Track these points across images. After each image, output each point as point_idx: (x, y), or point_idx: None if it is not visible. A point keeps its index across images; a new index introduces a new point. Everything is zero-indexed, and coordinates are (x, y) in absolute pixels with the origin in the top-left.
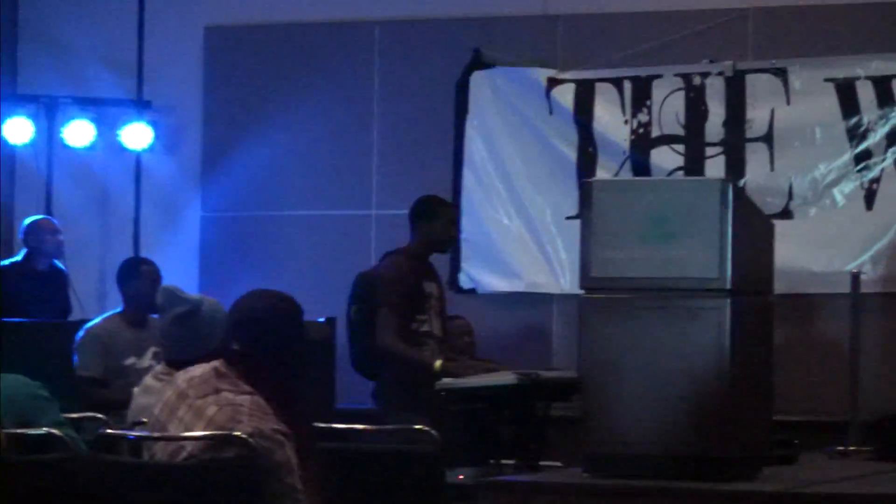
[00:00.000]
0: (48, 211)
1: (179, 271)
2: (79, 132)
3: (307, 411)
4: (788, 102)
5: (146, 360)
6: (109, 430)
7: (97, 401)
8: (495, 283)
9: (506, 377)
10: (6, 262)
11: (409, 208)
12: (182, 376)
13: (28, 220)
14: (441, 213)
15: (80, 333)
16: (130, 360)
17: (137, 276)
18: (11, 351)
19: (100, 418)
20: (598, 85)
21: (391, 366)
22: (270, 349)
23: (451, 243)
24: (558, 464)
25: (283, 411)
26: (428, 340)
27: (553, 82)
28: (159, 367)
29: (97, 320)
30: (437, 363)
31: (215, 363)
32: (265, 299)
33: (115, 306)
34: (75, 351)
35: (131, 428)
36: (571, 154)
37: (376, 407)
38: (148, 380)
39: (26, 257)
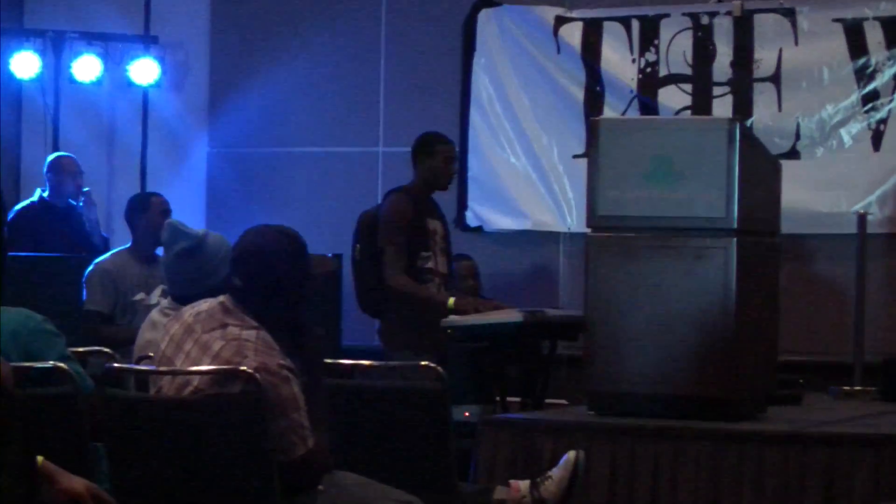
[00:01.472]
0: (55, 147)
1: (186, 207)
2: (86, 67)
3: (313, 346)
4: (796, 43)
5: (154, 297)
6: (116, 365)
7: (102, 337)
8: (502, 221)
9: (511, 315)
10: (23, 203)
11: None
12: (189, 311)
13: (51, 157)
14: (439, 149)
15: (90, 268)
16: (139, 296)
17: (148, 208)
18: (20, 285)
19: (106, 352)
20: (606, 24)
21: (400, 304)
22: (271, 284)
23: (449, 180)
24: (563, 402)
25: (289, 346)
26: (432, 277)
27: (561, 21)
28: (165, 302)
29: (106, 256)
30: (451, 300)
31: (222, 298)
32: (265, 234)
33: (122, 243)
34: (84, 285)
35: (137, 363)
36: (578, 93)
37: (382, 345)
38: (154, 315)
39: (42, 197)
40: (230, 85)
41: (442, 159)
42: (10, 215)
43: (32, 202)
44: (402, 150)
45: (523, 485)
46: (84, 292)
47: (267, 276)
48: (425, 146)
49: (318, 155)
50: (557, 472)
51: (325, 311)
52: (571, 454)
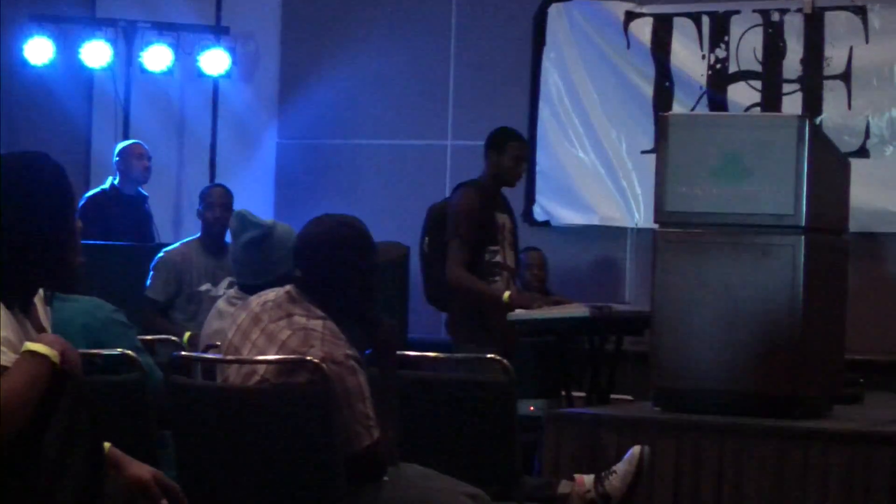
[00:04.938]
0: (125, 136)
1: (255, 198)
2: (157, 57)
3: (385, 337)
4: (867, 41)
5: (221, 289)
6: (183, 353)
7: (155, 326)
8: (569, 216)
9: (578, 310)
10: (94, 190)
11: (484, 137)
12: (255, 300)
13: (120, 145)
14: (510, 146)
15: (158, 256)
16: (205, 287)
17: (208, 201)
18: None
19: (174, 341)
20: (676, 19)
21: (461, 298)
22: (331, 273)
23: (517, 178)
24: (629, 397)
25: (357, 336)
26: (501, 271)
27: (631, 16)
28: (232, 292)
29: (175, 245)
30: (506, 294)
31: (288, 287)
32: (324, 224)
33: (191, 233)
34: (150, 272)
35: (204, 351)
36: (648, 89)
37: (449, 338)
38: (221, 304)
39: (113, 184)
40: (300, 76)
41: (512, 157)
42: (81, 202)
43: (103, 189)
44: (471, 144)
45: (588, 479)
46: (149, 279)
47: (325, 265)
48: (497, 142)
49: (386, 147)
50: (622, 467)
51: (391, 304)
52: (637, 449)
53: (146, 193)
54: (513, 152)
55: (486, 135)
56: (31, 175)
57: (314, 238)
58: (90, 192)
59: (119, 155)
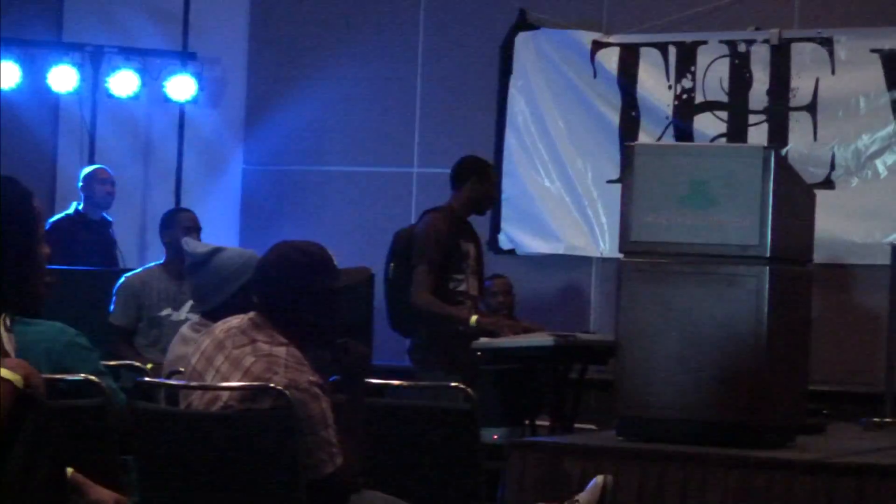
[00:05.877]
0: (91, 160)
1: (221, 223)
2: (123, 82)
3: (355, 363)
4: (833, 72)
5: (183, 314)
6: (147, 379)
7: (119, 352)
8: (535, 244)
9: (542, 338)
10: (59, 215)
11: (451, 167)
12: (220, 326)
13: (85, 170)
14: (484, 175)
15: (119, 281)
16: (166, 312)
17: (174, 224)
18: (54, 298)
19: (137, 366)
20: (643, 49)
21: (426, 323)
22: (283, 299)
23: (490, 206)
24: (592, 426)
25: (322, 361)
26: (464, 300)
27: (598, 45)
28: (196, 318)
29: (136, 270)
30: (473, 318)
31: (252, 314)
32: (278, 250)
33: (156, 257)
34: (112, 297)
35: (168, 377)
36: (614, 118)
37: (412, 365)
38: (184, 330)
39: (77, 209)
40: (267, 102)
41: (487, 185)
42: (46, 227)
43: (68, 214)
44: (437, 171)
45: None
46: (112, 304)
47: (279, 290)
48: (479, 169)
49: (352, 174)
50: (585, 496)
51: (356, 329)
52: (599, 479)
53: (110, 219)
54: (488, 179)
55: (453, 162)
56: None
57: (268, 264)
58: (55, 217)
59: (83, 180)
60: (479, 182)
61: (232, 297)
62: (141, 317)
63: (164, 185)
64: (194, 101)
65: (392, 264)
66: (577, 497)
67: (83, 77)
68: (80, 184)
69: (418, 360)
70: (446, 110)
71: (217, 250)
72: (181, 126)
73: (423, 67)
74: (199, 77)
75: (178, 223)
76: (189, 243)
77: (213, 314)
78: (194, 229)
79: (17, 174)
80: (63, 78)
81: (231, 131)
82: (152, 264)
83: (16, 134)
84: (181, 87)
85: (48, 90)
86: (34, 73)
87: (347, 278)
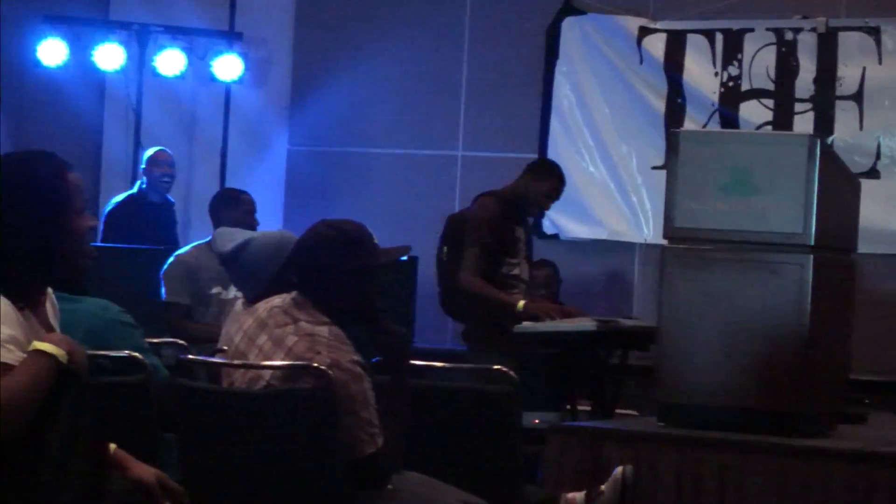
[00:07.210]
0: (137, 139)
1: (265, 203)
2: (170, 61)
3: (398, 344)
4: (880, 61)
5: (231, 292)
6: (189, 356)
7: (183, 331)
8: (578, 230)
9: (585, 323)
10: (122, 195)
11: (495, 150)
12: (262, 305)
13: (148, 152)
14: (551, 182)
15: (169, 261)
16: (216, 290)
17: (237, 205)
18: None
19: (181, 344)
20: (690, 36)
21: (473, 306)
22: (321, 277)
23: (535, 212)
24: (633, 412)
25: (363, 341)
26: (517, 284)
27: (644, 31)
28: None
29: (185, 248)
30: (521, 303)
31: (294, 293)
32: (316, 229)
33: (200, 236)
34: (162, 278)
35: (211, 356)
36: (660, 104)
37: (465, 347)
38: (238, 308)
39: (140, 189)
40: (312, 83)
41: (548, 191)
42: (109, 207)
43: (131, 194)
44: (481, 155)
45: (579, 497)
46: (163, 285)
47: (316, 268)
48: (541, 170)
49: (397, 156)
50: (608, 489)
51: (397, 311)
52: (619, 470)
53: (173, 200)
54: (550, 189)
55: (498, 145)
56: (27, 173)
57: (305, 243)
58: (118, 198)
59: (145, 162)
60: (536, 180)
61: (272, 283)
62: (194, 294)
63: (210, 164)
64: (240, 80)
65: (445, 248)
66: (602, 488)
67: (129, 56)
68: (143, 166)
69: (472, 344)
70: (492, 94)
71: (244, 245)
72: (227, 106)
73: (469, 50)
74: (244, 57)
75: (243, 205)
76: (217, 241)
77: (256, 301)
78: (253, 213)
79: (62, 152)
80: (109, 56)
81: (276, 111)
82: (199, 242)
83: (62, 112)
84: (227, 66)
85: (94, 68)
86: (80, 52)
87: (387, 257)
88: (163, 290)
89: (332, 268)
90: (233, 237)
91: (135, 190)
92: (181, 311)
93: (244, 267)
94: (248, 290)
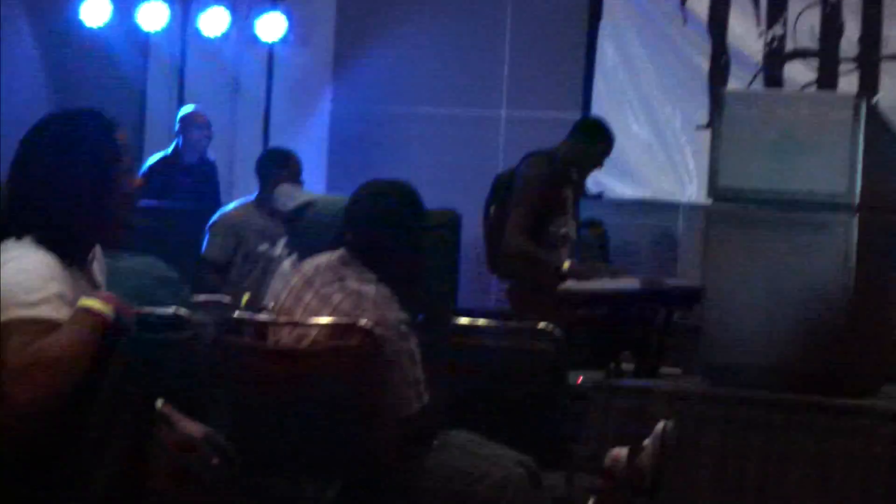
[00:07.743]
0: (181, 98)
1: (309, 162)
2: (213, 21)
3: (438, 303)
4: None
5: (278, 249)
6: (236, 314)
7: (207, 284)
8: (622, 189)
9: (629, 283)
10: (157, 155)
11: (539, 110)
12: (308, 263)
13: (182, 111)
14: (600, 146)
15: (214, 217)
16: (263, 248)
17: (287, 166)
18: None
19: (226, 302)
20: None
21: (519, 266)
22: (379, 236)
23: (581, 175)
24: (677, 371)
25: (408, 300)
26: (565, 243)
27: None
28: (295, 256)
29: (231, 206)
30: (566, 263)
31: (341, 251)
32: (372, 188)
33: (243, 195)
34: (207, 230)
35: (258, 313)
36: (704, 64)
37: (511, 306)
38: (286, 265)
39: (175, 150)
40: (356, 42)
41: (597, 154)
42: (145, 166)
43: (165, 155)
44: (525, 114)
45: (623, 453)
46: (206, 238)
47: (374, 227)
48: (591, 133)
49: (440, 116)
50: (649, 444)
51: (442, 271)
52: (660, 425)
53: (213, 159)
54: (600, 150)
55: (542, 105)
56: (75, 131)
57: (363, 201)
58: (153, 158)
59: (180, 122)
60: (583, 142)
61: (332, 242)
62: (237, 252)
63: (253, 123)
64: (284, 40)
65: (493, 207)
66: (644, 443)
67: (173, 15)
68: (177, 126)
69: (517, 303)
70: (535, 54)
71: (308, 204)
72: (270, 65)
73: (513, 10)
74: (288, 16)
75: (291, 164)
76: (278, 198)
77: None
78: (300, 174)
79: (106, 111)
80: (153, 16)
81: (320, 71)
82: (244, 200)
83: (106, 71)
84: (271, 26)
85: (138, 28)
86: (124, 11)
87: (433, 220)
88: (204, 244)
89: (388, 223)
90: (296, 196)
91: (169, 151)
92: (213, 269)
93: (309, 226)
94: (304, 248)
